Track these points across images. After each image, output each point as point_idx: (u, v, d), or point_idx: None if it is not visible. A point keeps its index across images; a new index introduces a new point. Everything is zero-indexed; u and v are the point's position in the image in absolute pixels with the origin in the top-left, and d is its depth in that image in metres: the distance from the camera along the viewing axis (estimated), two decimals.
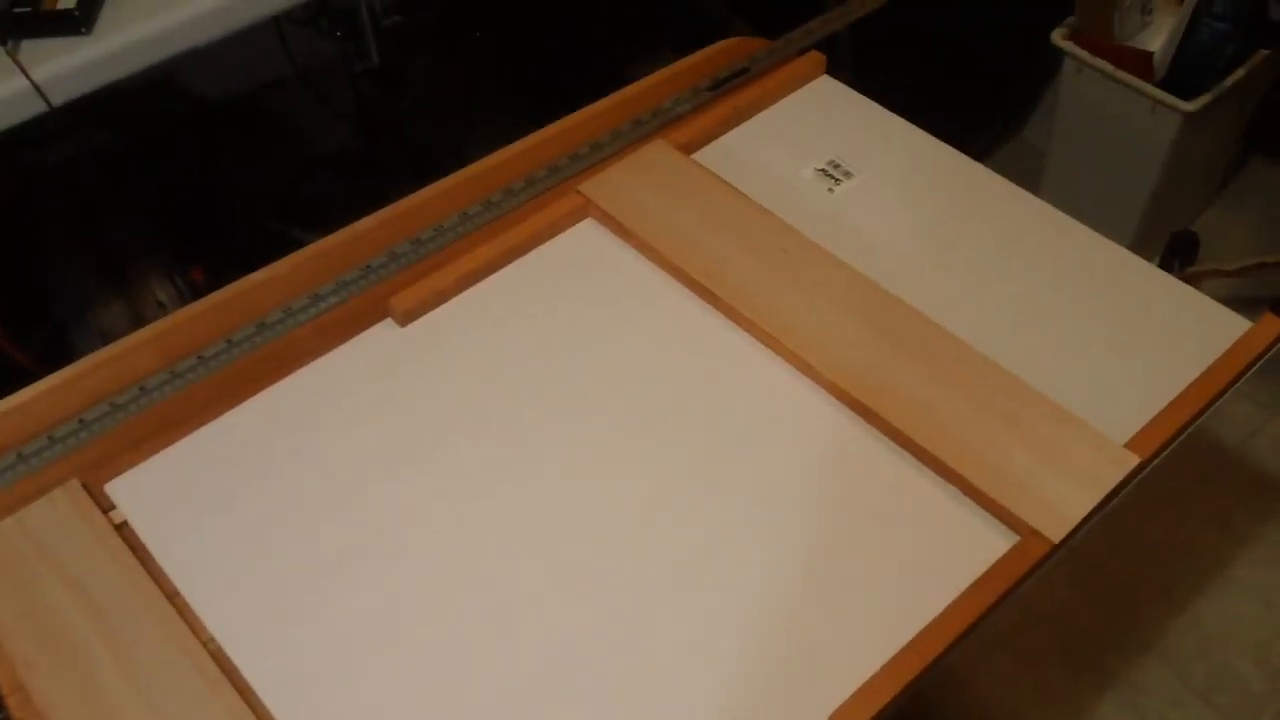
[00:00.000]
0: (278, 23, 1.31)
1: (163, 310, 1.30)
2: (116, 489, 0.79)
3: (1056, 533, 0.73)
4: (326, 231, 0.90)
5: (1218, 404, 0.82)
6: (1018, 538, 0.74)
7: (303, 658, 0.70)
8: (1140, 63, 1.66)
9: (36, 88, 0.90)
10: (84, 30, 0.94)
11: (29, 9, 0.93)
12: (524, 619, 0.71)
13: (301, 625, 0.71)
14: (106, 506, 0.78)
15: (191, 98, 1.39)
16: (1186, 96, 1.64)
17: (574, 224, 0.95)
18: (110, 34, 0.94)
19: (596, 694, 0.68)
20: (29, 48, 0.92)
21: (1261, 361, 0.84)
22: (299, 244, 0.89)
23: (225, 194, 1.46)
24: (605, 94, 1.02)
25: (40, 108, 0.92)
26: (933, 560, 0.73)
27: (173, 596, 0.72)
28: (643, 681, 0.69)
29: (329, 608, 0.72)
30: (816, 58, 1.08)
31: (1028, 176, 1.88)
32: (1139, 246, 1.57)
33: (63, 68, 0.92)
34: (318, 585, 0.73)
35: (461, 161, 0.96)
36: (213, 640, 0.71)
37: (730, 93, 1.05)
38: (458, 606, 0.72)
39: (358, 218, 0.91)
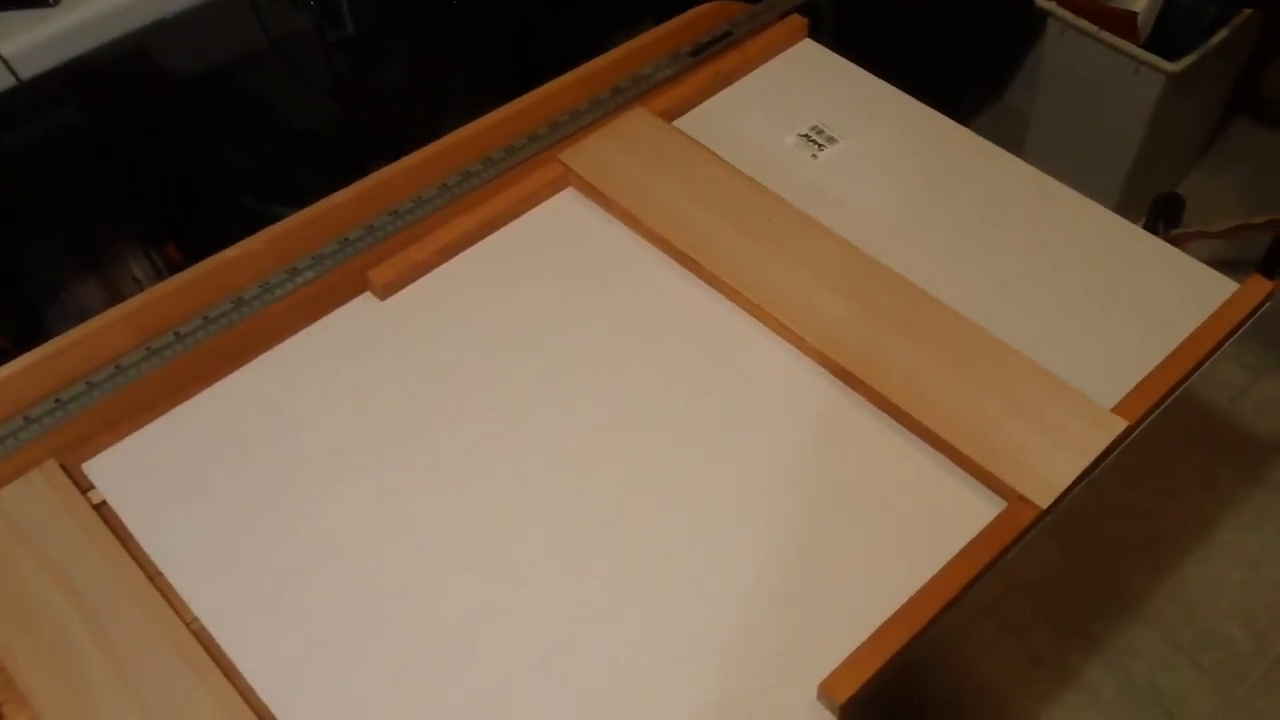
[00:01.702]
0: None
1: (139, 287, 1.29)
2: (95, 469, 0.78)
3: (1044, 498, 0.72)
4: (304, 207, 0.89)
5: (1204, 366, 0.81)
6: (1005, 504, 0.74)
7: (288, 639, 0.69)
8: (1124, 23, 1.65)
9: (4, 61, 0.89)
10: (51, 2, 0.92)
11: None
12: (515, 598, 0.71)
13: (286, 606, 0.71)
14: (85, 487, 0.77)
15: (167, 73, 1.37)
16: (1171, 57, 1.63)
17: (554, 194, 0.94)
18: (78, 5, 0.93)
19: (588, 671, 0.68)
20: None
21: (1249, 324, 0.83)
22: (276, 219, 0.87)
23: (201, 170, 1.44)
24: None
25: (9, 82, 0.90)
26: (920, 528, 0.73)
27: (154, 578, 0.72)
28: (632, 656, 0.68)
29: (313, 588, 0.71)
30: (798, 21, 1.07)
31: (1011, 140, 1.88)
32: (1124, 209, 1.56)
33: (30, 40, 0.91)
34: (302, 566, 0.73)
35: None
36: (196, 621, 0.70)
37: (711, 58, 1.03)
38: (446, 587, 0.72)
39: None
